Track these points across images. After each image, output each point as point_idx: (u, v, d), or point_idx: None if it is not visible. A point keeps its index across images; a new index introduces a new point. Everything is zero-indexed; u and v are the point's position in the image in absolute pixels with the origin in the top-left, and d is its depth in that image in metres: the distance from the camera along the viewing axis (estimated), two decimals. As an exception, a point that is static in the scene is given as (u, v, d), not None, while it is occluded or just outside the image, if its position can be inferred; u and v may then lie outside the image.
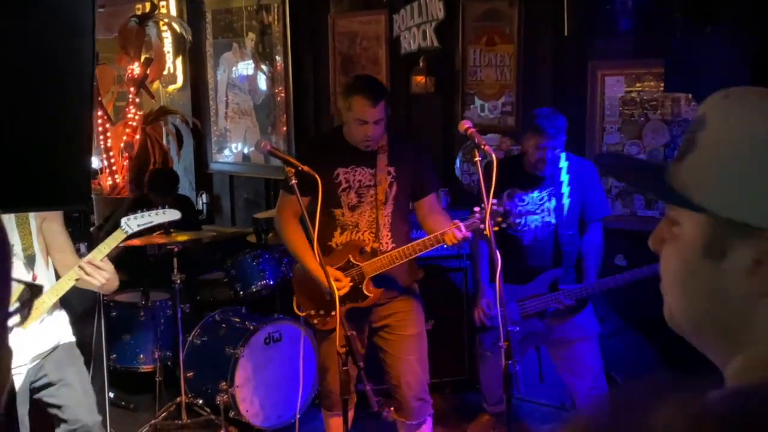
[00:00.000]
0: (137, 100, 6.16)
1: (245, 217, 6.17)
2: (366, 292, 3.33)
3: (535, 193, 3.60)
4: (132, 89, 6.09)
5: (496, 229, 3.03)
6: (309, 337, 4.32)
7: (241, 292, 4.51)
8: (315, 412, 3.91)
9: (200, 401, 4.30)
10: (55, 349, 3.11)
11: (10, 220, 2.90)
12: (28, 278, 2.94)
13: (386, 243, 3.36)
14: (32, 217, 2.97)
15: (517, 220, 3.57)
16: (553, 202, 3.59)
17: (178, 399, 4.25)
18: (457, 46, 4.88)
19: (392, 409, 3.52)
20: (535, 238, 3.63)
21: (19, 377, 2.96)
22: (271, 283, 4.53)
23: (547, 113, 3.50)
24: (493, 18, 4.72)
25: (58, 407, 3.10)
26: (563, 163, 3.59)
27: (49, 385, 3.08)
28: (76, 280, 2.96)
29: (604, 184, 4.17)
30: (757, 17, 2.89)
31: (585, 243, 3.66)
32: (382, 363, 3.50)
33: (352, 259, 3.34)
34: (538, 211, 3.62)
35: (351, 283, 3.30)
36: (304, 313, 3.51)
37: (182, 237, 4.28)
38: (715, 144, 0.76)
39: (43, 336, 3.06)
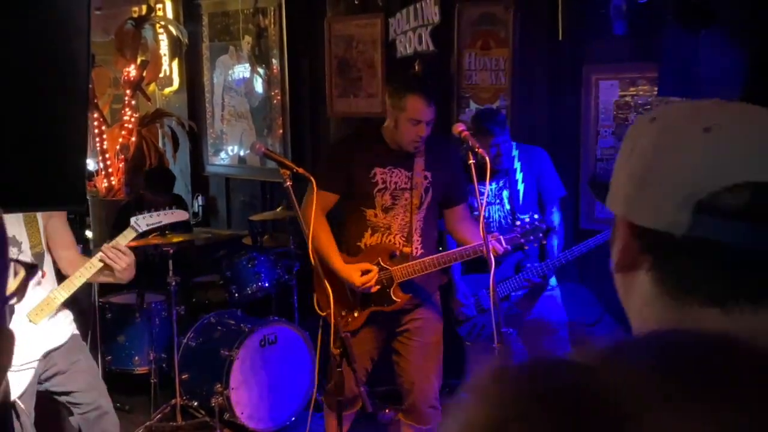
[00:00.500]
0: (133, 102, 6.17)
1: (241, 219, 6.17)
2: (394, 297, 3.30)
3: (493, 185, 3.69)
4: (128, 91, 6.10)
5: (535, 244, 3.20)
6: (304, 340, 4.34)
7: (237, 294, 4.52)
8: (308, 415, 3.91)
9: (195, 403, 4.30)
10: (64, 343, 3.12)
11: (18, 218, 2.92)
12: (38, 273, 2.96)
13: (417, 248, 3.33)
14: (39, 215, 2.98)
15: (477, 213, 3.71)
16: (507, 191, 3.74)
17: (173, 401, 4.25)
18: (452, 49, 4.90)
19: (387, 411, 3.51)
20: (500, 226, 3.73)
21: (29, 372, 2.96)
22: (267, 285, 4.54)
23: (489, 113, 3.79)
24: (488, 22, 4.74)
25: (70, 393, 3.11)
26: (514, 152, 3.75)
27: (58, 373, 3.09)
28: (98, 269, 3.01)
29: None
30: (752, 21, 2.91)
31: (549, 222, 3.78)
32: (395, 365, 3.47)
33: (381, 262, 3.30)
34: (497, 201, 3.74)
35: (378, 286, 3.28)
36: (324, 313, 3.44)
37: (177, 238, 4.29)
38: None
39: (55, 331, 3.07)
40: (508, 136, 3.70)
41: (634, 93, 4.31)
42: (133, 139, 6.12)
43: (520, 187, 3.71)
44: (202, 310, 4.74)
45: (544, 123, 4.62)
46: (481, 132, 3.60)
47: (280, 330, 4.30)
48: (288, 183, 2.86)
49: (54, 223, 3.08)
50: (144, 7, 6.29)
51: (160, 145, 6.34)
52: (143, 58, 6.14)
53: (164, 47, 6.45)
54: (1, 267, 0.63)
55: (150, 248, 4.74)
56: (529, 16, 4.61)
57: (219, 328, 4.42)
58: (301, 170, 2.87)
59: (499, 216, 3.77)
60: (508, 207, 3.74)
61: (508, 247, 3.14)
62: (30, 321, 2.92)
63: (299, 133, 5.81)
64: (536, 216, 3.27)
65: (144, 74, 6.11)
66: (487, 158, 2.85)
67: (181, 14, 6.46)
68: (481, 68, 4.81)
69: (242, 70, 6.15)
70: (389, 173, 3.28)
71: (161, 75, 6.44)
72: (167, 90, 6.66)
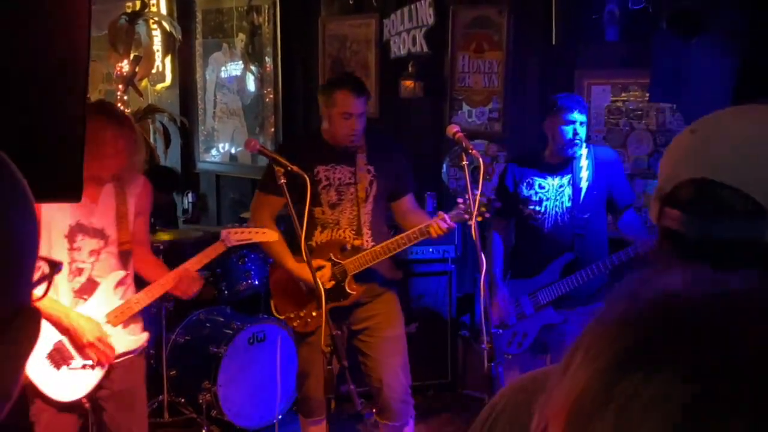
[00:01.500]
0: (125, 97, 6.15)
1: (231, 216, 6.16)
2: (349, 290, 3.33)
3: (556, 179, 3.54)
4: (120, 87, 6.08)
5: (480, 218, 3.01)
6: (292, 338, 4.33)
7: (226, 292, 4.51)
8: (295, 413, 3.91)
9: (182, 400, 4.29)
10: (134, 350, 3.03)
11: (111, 212, 2.87)
12: (120, 275, 2.90)
13: (367, 240, 3.37)
14: (131, 211, 2.93)
15: (537, 208, 3.55)
16: (571, 188, 3.53)
17: (160, 397, 4.24)
18: (446, 52, 4.92)
19: (373, 410, 3.52)
20: (555, 224, 3.54)
21: (98, 373, 2.88)
22: (257, 283, 4.53)
23: (567, 95, 3.55)
24: (482, 25, 4.77)
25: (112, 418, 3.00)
26: (582, 151, 3.54)
27: (110, 393, 2.97)
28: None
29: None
30: (742, 29, 2.94)
31: (623, 225, 3.56)
32: (362, 366, 3.48)
33: (333, 257, 3.34)
34: (557, 197, 3.54)
35: (333, 281, 3.31)
36: (283, 316, 3.49)
37: (167, 236, 4.28)
38: None
39: (129, 337, 2.99)
40: (586, 120, 3.49)
41: (626, 98, 4.35)
42: (125, 134, 6.09)
43: (584, 185, 3.52)
44: (191, 306, 4.72)
45: (536, 126, 4.64)
46: (555, 109, 3.46)
47: (269, 328, 4.30)
48: (282, 180, 2.87)
49: (141, 220, 3.03)
50: (138, 3, 6.27)
51: (152, 141, 6.32)
52: (136, 54, 6.12)
53: (157, 43, 6.43)
54: (30, 253, 0.63)
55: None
56: (523, 19, 4.64)
57: (208, 325, 4.42)
58: (295, 168, 2.88)
59: (556, 212, 3.55)
60: (568, 205, 3.53)
61: (453, 224, 3.14)
62: (107, 323, 2.86)
63: (291, 132, 5.81)
64: (478, 192, 3.05)
65: (137, 70, 6.10)
66: (481, 160, 2.86)
67: (175, 10, 6.45)
68: (475, 71, 4.83)
69: (235, 68, 6.15)
70: (332, 170, 3.34)
71: (154, 71, 6.42)
72: (159, 86, 6.64)
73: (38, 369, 2.76)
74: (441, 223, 3.11)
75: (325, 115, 3.36)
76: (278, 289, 3.50)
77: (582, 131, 3.45)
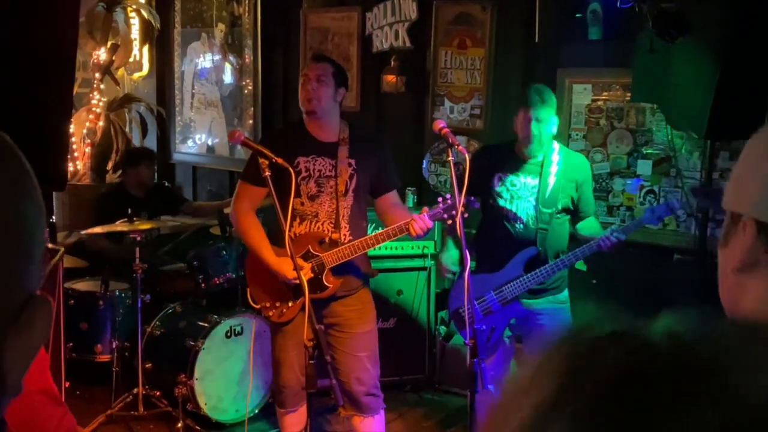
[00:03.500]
0: (102, 86, 6.07)
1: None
2: (326, 283, 3.32)
3: (527, 178, 3.56)
4: (97, 75, 5.99)
5: (458, 219, 3.02)
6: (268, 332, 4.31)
7: (203, 285, 4.47)
8: (272, 406, 3.90)
9: (158, 393, 4.25)
10: None
11: None
12: None
13: (345, 234, 3.36)
14: None
15: (508, 206, 3.57)
16: (539, 183, 3.56)
17: (135, 390, 4.20)
18: (428, 47, 4.91)
19: (339, 409, 3.49)
20: (526, 223, 3.57)
21: None
22: (234, 276, 4.50)
23: (538, 87, 3.52)
24: (465, 21, 4.77)
25: None
26: (557, 154, 3.56)
27: None
28: None
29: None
30: (726, 32, 2.96)
31: (582, 227, 3.63)
32: (332, 360, 3.48)
33: (311, 250, 3.33)
34: (529, 197, 3.57)
35: (311, 274, 3.30)
36: (258, 306, 3.47)
37: (144, 225, 4.23)
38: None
39: None
40: (549, 120, 3.47)
41: (607, 98, 4.38)
42: (101, 123, 6.01)
43: (551, 180, 3.55)
44: (168, 299, 4.69)
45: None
46: (521, 102, 3.50)
47: (246, 321, 4.27)
48: (267, 173, 2.84)
49: None
50: (116, -10, 6.18)
51: (128, 130, 6.24)
52: (113, 42, 6.03)
53: (135, 32, 6.34)
54: (39, 241, 0.62)
55: (116, 235, 4.68)
56: (506, 17, 4.65)
57: (184, 317, 4.38)
58: (279, 160, 2.86)
59: (527, 212, 3.58)
60: (534, 203, 3.58)
61: (430, 223, 3.15)
62: None
63: (270, 124, 5.77)
64: (449, 195, 3.12)
65: (113, 58, 6.01)
66: (467, 156, 2.86)
67: (154, -1, 6.37)
68: (457, 67, 4.84)
69: (213, 58, 6.09)
70: (312, 161, 3.33)
71: (131, 60, 6.34)
72: (136, 75, 6.56)
73: None
74: (420, 222, 3.12)
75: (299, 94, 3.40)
76: (254, 278, 3.48)
77: (543, 129, 3.45)
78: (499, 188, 3.59)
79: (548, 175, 3.55)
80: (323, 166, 3.33)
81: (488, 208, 3.63)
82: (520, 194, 3.57)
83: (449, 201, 3.10)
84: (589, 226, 3.62)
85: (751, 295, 0.80)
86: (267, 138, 3.74)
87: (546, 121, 3.45)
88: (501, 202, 3.58)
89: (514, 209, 3.57)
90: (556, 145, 3.60)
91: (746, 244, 0.80)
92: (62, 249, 2.81)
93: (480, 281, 3.56)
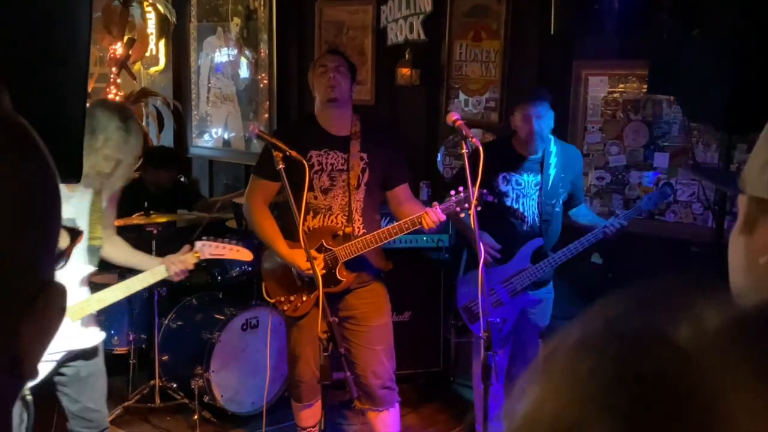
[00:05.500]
0: (118, 80, 6.10)
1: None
2: (339, 277, 3.33)
3: (531, 176, 3.63)
4: (113, 70, 6.03)
5: (472, 212, 3.03)
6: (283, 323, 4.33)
7: (219, 278, 4.49)
8: (287, 398, 3.91)
9: (174, 385, 4.28)
10: (93, 347, 3.00)
11: (85, 204, 2.79)
12: (87, 270, 2.83)
13: (358, 228, 3.37)
14: (105, 205, 2.86)
15: (515, 206, 3.63)
16: (541, 178, 3.64)
17: (152, 382, 4.23)
18: (443, 40, 4.90)
19: (355, 401, 3.49)
20: (534, 223, 3.66)
21: (50, 365, 2.83)
22: (249, 269, 4.52)
23: (535, 87, 3.64)
24: (480, 14, 4.75)
25: (80, 404, 3.00)
26: (553, 147, 3.64)
27: (75, 379, 2.97)
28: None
29: (585, 183, 4.25)
30: (743, 23, 2.93)
31: (576, 215, 3.76)
32: (347, 353, 3.49)
33: (325, 244, 3.33)
34: (533, 195, 3.65)
35: (324, 268, 3.30)
36: (273, 300, 3.49)
37: (161, 219, 4.26)
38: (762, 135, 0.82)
39: (87, 333, 2.94)
40: (547, 116, 3.52)
41: (623, 90, 4.35)
42: (117, 117, 6.04)
43: (552, 171, 3.64)
44: (184, 292, 4.71)
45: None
46: (524, 98, 3.58)
47: (262, 314, 4.29)
48: (281, 166, 2.85)
49: (109, 209, 2.98)
50: (132, -15, 6.20)
51: (144, 124, 6.28)
52: (130, 37, 6.06)
53: (151, 26, 6.37)
54: (54, 224, 0.62)
55: (133, 228, 4.70)
56: (521, 9, 4.62)
57: (201, 310, 4.40)
58: (294, 153, 2.86)
59: (532, 210, 3.66)
60: (537, 199, 3.66)
61: (443, 216, 3.15)
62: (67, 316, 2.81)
63: (286, 118, 5.78)
64: (477, 183, 3.09)
65: (130, 53, 6.04)
66: (481, 148, 2.85)
67: (170, -7, 6.39)
68: (472, 59, 4.82)
69: (229, 52, 6.11)
70: (325, 155, 3.33)
71: (147, 54, 6.37)
72: (153, 69, 6.59)
73: None
74: (432, 215, 3.11)
75: (313, 91, 3.39)
76: (269, 273, 3.50)
77: (544, 124, 3.52)
78: (504, 188, 3.63)
79: (548, 169, 3.63)
80: (335, 159, 3.34)
81: (492, 206, 3.61)
82: (525, 192, 3.64)
83: (462, 194, 3.09)
84: (584, 214, 3.75)
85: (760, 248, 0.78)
86: (279, 132, 3.74)
87: (545, 116, 3.51)
88: (507, 201, 3.64)
89: (520, 208, 3.64)
90: (550, 137, 3.67)
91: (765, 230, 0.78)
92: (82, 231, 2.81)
93: (488, 274, 3.59)
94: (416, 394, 4.56)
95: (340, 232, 3.34)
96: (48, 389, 2.95)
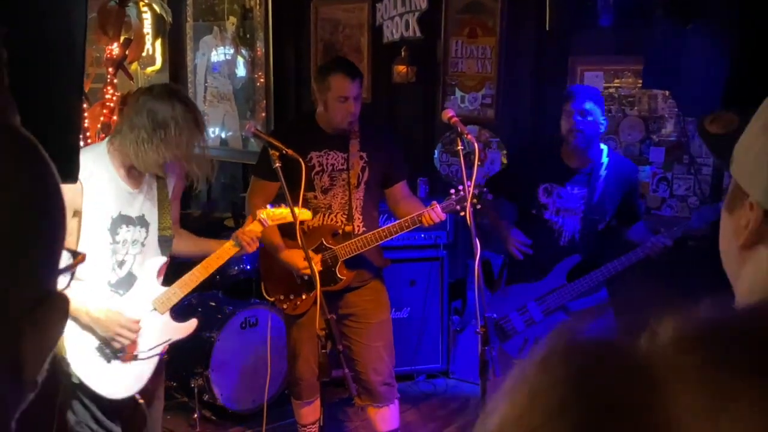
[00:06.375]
0: (115, 81, 6.09)
1: (222, 200, 6.15)
2: (339, 276, 3.34)
3: (576, 189, 3.46)
4: (110, 70, 6.02)
5: (468, 208, 3.02)
6: (282, 322, 4.34)
7: (218, 276, 4.50)
8: (287, 396, 3.92)
9: (174, 384, 4.29)
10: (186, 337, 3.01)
11: (153, 198, 2.76)
12: (162, 261, 2.81)
13: (358, 226, 3.38)
14: (171, 195, 2.83)
15: (554, 218, 3.49)
16: (587, 191, 3.47)
17: (152, 381, 4.23)
18: (439, 37, 4.90)
19: (355, 399, 3.50)
20: (573, 239, 3.50)
21: (155, 360, 2.84)
22: (248, 267, 4.53)
23: (581, 86, 3.50)
24: (475, 10, 4.75)
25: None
26: (604, 159, 3.47)
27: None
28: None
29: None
30: (738, 17, 2.94)
31: (632, 233, 3.52)
32: (346, 350, 3.50)
33: (325, 242, 3.34)
34: (576, 209, 3.48)
35: (323, 266, 3.31)
36: (272, 298, 3.50)
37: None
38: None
39: (187, 320, 2.96)
40: (598, 115, 3.36)
41: (619, 85, 4.36)
42: (115, 118, 6.04)
43: (599, 185, 3.45)
44: (183, 291, 4.71)
45: (528, 112, 4.66)
46: (564, 99, 3.42)
47: (261, 312, 4.30)
48: (277, 164, 2.86)
49: (176, 203, 2.96)
50: (127, -15, 6.20)
51: (142, 124, 6.28)
52: (126, 37, 6.05)
53: (148, 26, 6.37)
54: (57, 234, 0.63)
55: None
56: (516, 5, 4.63)
57: (200, 309, 4.40)
58: (290, 152, 2.87)
59: (573, 224, 3.48)
60: (581, 214, 3.47)
61: (443, 215, 3.15)
62: (154, 310, 2.79)
63: (283, 117, 5.79)
64: (461, 186, 3.07)
65: (126, 53, 6.03)
66: (476, 145, 2.86)
67: (165, -7, 6.39)
68: (468, 56, 4.82)
69: (225, 52, 6.11)
70: (325, 156, 3.34)
71: (144, 54, 6.36)
72: (150, 69, 6.59)
73: (89, 368, 2.67)
74: (433, 215, 3.13)
75: (320, 100, 3.35)
76: (268, 272, 3.51)
77: (588, 121, 3.35)
78: (545, 200, 3.50)
79: (596, 182, 3.44)
80: (335, 159, 3.35)
81: (530, 217, 3.54)
82: (567, 206, 3.47)
83: (461, 192, 3.10)
84: (638, 231, 3.52)
85: (746, 277, 0.79)
86: (278, 131, 3.76)
87: (591, 115, 3.35)
88: (546, 214, 3.50)
89: (560, 222, 3.49)
90: (602, 148, 3.51)
91: (753, 223, 0.78)
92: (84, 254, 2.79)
93: (521, 291, 3.52)
94: (416, 391, 4.57)
95: (340, 231, 3.36)
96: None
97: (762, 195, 0.77)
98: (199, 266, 2.93)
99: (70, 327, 2.51)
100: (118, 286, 2.73)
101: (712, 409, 0.39)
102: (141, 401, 2.82)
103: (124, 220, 2.69)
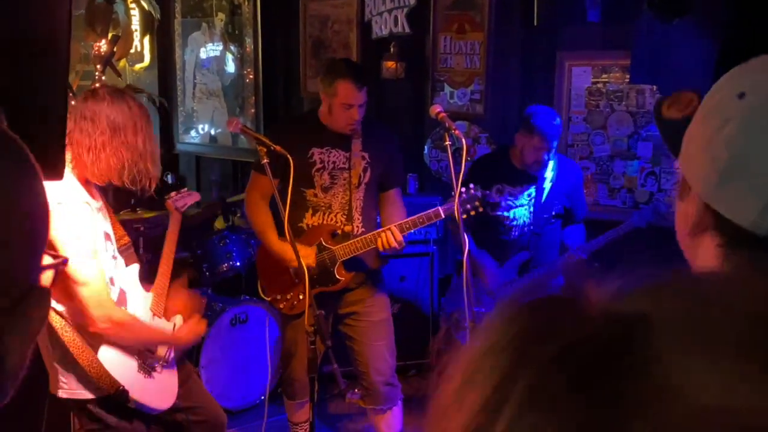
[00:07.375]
0: (103, 77, 6.07)
1: (212, 198, 6.13)
2: (338, 276, 3.33)
3: (526, 191, 3.67)
4: (98, 67, 6.00)
5: (473, 213, 3.11)
6: (275, 319, 4.34)
7: (208, 273, 4.49)
8: (278, 394, 3.93)
9: (164, 381, 4.28)
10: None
11: (105, 213, 2.66)
12: (137, 267, 2.76)
13: (358, 226, 3.37)
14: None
15: (506, 213, 3.66)
16: (535, 190, 3.68)
17: (142, 378, 4.23)
18: (428, 32, 4.91)
19: (356, 390, 3.53)
20: (522, 233, 3.71)
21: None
22: (238, 264, 4.52)
23: (545, 113, 3.52)
24: (464, 6, 4.76)
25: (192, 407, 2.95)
26: (552, 160, 3.66)
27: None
28: None
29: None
30: (724, 12, 2.96)
31: (567, 233, 3.78)
32: (349, 350, 3.50)
33: (323, 242, 3.33)
34: (526, 206, 3.69)
35: (322, 266, 3.31)
36: (269, 298, 3.49)
37: (148, 214, 4.26)
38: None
39: (180, 322, 2.95)
40: (555, 146, 3.57)
41: (606, 80, 4.37)
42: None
43: (546, 186, 3.67)
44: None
45: (516, 108, 4.66)
46: (530, 130, 3.49)
47: (251, 309, 4.30)
48: (265, 160, 2.86)
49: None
50: (115, -19, 6.17)
51: (130, 121, 6.25)
52: (114, 33, 6.03)
53: (136, 22, 6.34)
54: (40, 232, 0.64)
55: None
56: (504, 1, 4.63)
57: (189, 306, 4.40)
58: (278, 148, 2.87)
59: (524, 221, 3.71)
60: (532, 209, 3.70)
61: (442, 216, 3.17)
62: (155, 316, 2.76)
63: (272, 113, 5.78)
64: (471, 185, 3.19)
65: (115, 50, 6.01)
66: (464, 141, 2.87)
67: (154, -11, 6.36)
68: (457, 52, 4.83)
69: (214, 48, 6.09)
70: (327, 153, 3.33)
71: (132, 51, 6.34)
72: (138, 66, 6.56)
73: (142, 389, 2.59)
74: (438, 212, 3.17)
75: (325, 101, 3.32)
76: (265, 270, 3.51)
77: (552, 154, 3.57)
78: (496, 198, 3.66)
79: (543, 182, 3.66)
80: (337, 158, 3.33)
81: (483, 216, 3.61)
82: (518, 203, 3.67)
83: (464, 195, 3.13)
84: (573, 234, 3.75)
85: (699, 261, 0.80)
86: (279, 128, 3.71)
87: (554, 149, 3.56)
88: (498, 211, 3.67)
89: (511, 217, 3.67)
90: None
91: (695, 215, 0.79)
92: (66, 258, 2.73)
93: (474, 285, 3.62)
94: (406, 387, 4.57)
95: (339, 231, 3.34)
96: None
97: (701, 187, 0.77)
98: (164, 249, 2.97)
99: (111, 356, 2.48)
100: (120, 304, 2.65)
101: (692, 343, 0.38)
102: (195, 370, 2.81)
103: (106, 238, 2.60)
